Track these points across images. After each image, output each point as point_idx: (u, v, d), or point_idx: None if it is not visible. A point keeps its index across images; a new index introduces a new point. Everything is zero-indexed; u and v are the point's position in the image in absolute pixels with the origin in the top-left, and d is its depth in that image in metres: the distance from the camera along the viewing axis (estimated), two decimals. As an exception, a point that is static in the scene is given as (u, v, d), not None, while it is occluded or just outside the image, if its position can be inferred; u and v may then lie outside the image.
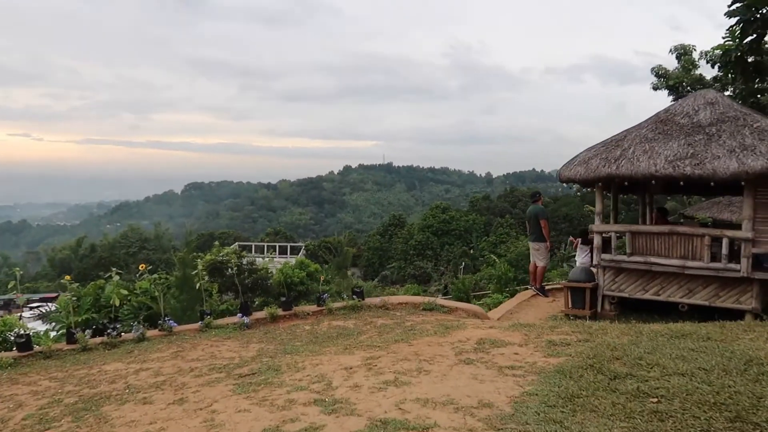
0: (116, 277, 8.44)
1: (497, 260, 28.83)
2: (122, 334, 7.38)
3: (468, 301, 17.21)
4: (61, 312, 13.46)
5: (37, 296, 74.86)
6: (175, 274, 16.27)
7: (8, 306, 77.71)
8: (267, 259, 20.86)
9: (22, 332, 6.97)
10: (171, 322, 7.48)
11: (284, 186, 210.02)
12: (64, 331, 12.63)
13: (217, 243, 20.45)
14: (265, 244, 63.75)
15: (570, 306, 8.61)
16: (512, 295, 17.67)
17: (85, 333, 7.11)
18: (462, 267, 63.09)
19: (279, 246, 65.76)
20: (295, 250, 66.08)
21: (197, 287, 13.16)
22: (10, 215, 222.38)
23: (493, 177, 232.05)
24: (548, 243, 10.91)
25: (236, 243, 65.56)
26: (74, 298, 13.32)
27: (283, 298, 8.15)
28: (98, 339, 7.30)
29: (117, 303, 7.54)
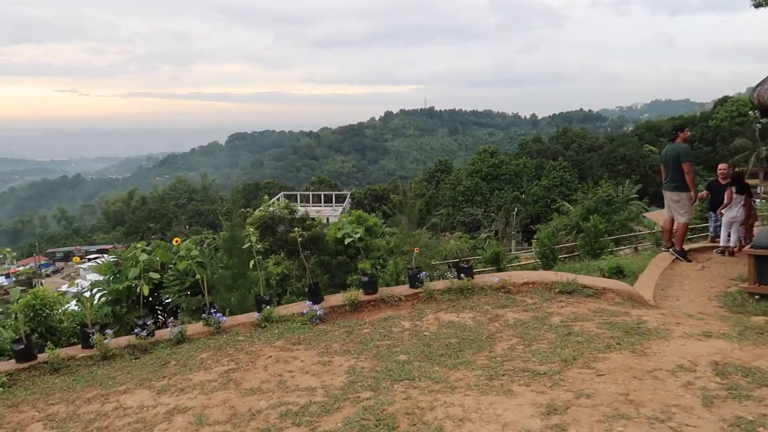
0: (143, 256, 6.50)
1: (571, 208, 26.13)
2: (156, 331, 5.47)
3: (554, 260, 14.86)
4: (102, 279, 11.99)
5: (94, 248, 77.36)
6: (222, 234, 14.53)
7: (68, 257, 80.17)
8: (318, 213, 18.79)
9: (18, 336, 5.10)
10: (219, 315, 5.49)
11: (326, 134, 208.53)
12: (105, 301, 11.10)
13: (266, 197, 18.50)
14: (310, 193, 62.54)
15: (756, 281, 6.21)
16: (595, 255, 15.23)
17: (105, 334, 5.20)
18: (515, 213, 60.25)
19: (324, 195, 64.49)
20: (340, 199, 64.62)
21: (247, 249, 11.35)
22: (65, 170, 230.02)
23: (539, 118, 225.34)
24: (693, 192, 8.36)
25: (281, 192, 64.64)
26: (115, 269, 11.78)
27: (365, 278, 6.03)
28: (124, 340, 5.41)
29: (146, 292, 5.55)
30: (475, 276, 6.16)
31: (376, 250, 18.28)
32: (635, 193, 30.94)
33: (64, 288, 51.15)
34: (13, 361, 4.96)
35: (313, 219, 17.27)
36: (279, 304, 9.73)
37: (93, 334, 5.06)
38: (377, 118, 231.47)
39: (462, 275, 6.01)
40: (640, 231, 19.74)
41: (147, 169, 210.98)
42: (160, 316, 12.26)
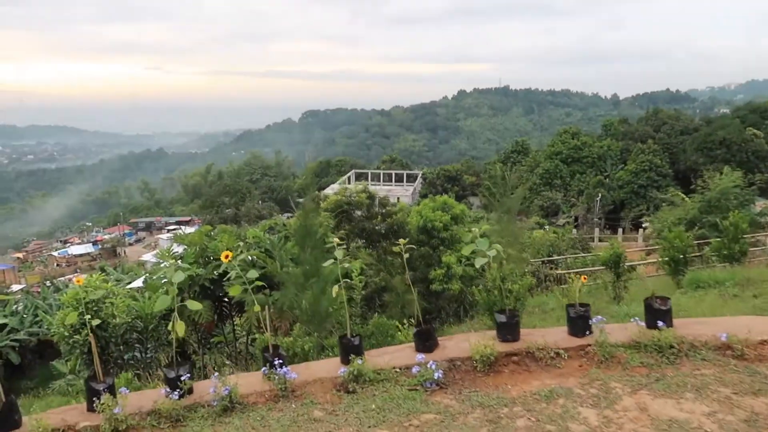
0: (179, 276, 4.75)
1: (686, 199, 22.64)
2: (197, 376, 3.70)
3: (685, 266, 12.08)
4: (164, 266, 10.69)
5: (173, 219, 79.85)
6: (293, 221, 12.92)
7: (150, 227, 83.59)
8: (389, 192, 16.75)
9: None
10: (287, 372, 3.62)
11: (397, 112, 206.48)
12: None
13: (350, 186, 16.75)
14: (381, 172, 61.01)
15: None
16: (733, 260, 12.29)
17: (120, 394, 3.47)
18: (599, 198, 55.97)
19: (395, 174, 62.84)
20: (411, 178, 62.72)
21: (321, 241, 9.62)
22: (149, 144, 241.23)
23: (620, 99, 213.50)
24: None
25: (352, 171, 63.47)
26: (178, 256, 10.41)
27: (502, 317, 4.00)
28: (148, 400, 3.65)
29: (181, 334, 3.70)
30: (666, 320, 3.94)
31: (462, 242, 16.12)
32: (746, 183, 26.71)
33: (145, 257, 52.73)
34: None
35: (393, 204, 15.35)
36: (364, 321, 7.86)
37: (103, 392, 3.33)
38: (450, 97, 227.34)
39: (659, 323, 3.82)
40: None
41: (224, 145, 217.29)
42: (225, 309, 10.89)
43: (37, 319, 26.14)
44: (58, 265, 62.97)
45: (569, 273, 15.38)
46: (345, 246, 12.75)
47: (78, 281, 3.69)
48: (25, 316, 27.14)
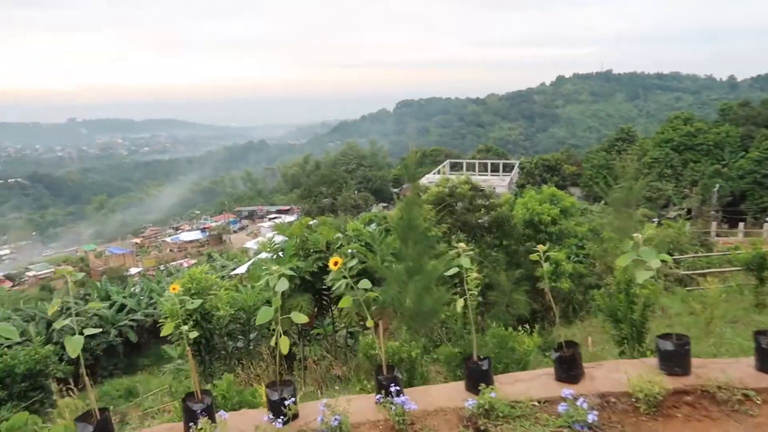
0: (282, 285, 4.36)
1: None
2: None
3: None
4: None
5: (274, 208, 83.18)
6: (393, 213, 12.48)
7: (252, 216, 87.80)
8: (485, 183, 15.91)
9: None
10: (406, 401, 3.08)
11: (492, 100, 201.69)
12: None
13: (452, 177, 16.18)
14: (477, 161, 59.66)
15: None
16: None
17: (219, 418, 3.10)
18: (716, 189, 50.95)
19: (491, 163, 61.17)
20: (507, 168, 60.63)
21: (424, 234, 9.08)
22: (252, 135, 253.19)
23: (738, 81, 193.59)
24: None
25: (447, 160, 62.55)
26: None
27: (667, 344, 3.21)
28: (255, 419, 3.25)
29: (285, 351, 3.25)
30: None
31: (572, 237, 14.98)
32: None
33: (248, 244, 55.23)
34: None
35: (498, 195, 14.50)
36: (482, 330, 7.20)
37: (200, 415, 2.97)
38: (548, 83, 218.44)
39: None
40: None
41: (321, 135, 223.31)
42: (324, 301, 10.70)
43: (152, 301, 27.97)
44: (170, 250, 67.75)
45: (693, 274, 13.82)
46: (447, 240, 12.12)
47: (173, 289, 3.35)
48: (141, 297, 29.17)
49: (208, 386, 3.71)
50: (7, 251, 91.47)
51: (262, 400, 3.91)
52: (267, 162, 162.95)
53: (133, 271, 51.62)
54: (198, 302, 3.57)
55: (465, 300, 3.40)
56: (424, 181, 28.78)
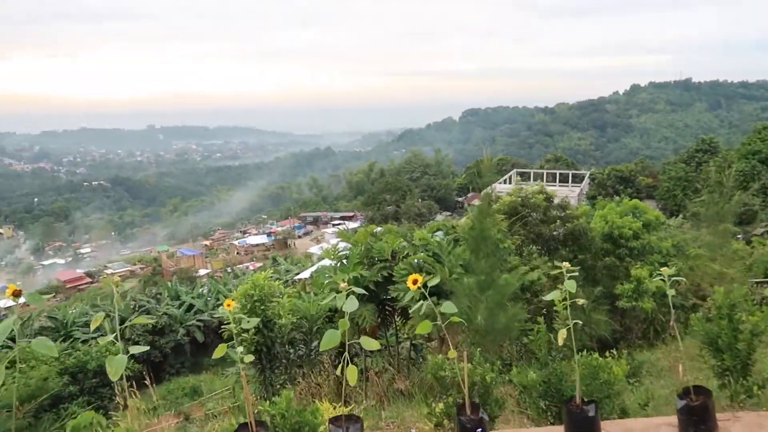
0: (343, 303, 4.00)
1: None
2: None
3: None
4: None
5: (338, 214, 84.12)
6: (464, 223, 11.99)
7: (317, 221, 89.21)
8: (553, 194, 15.06)
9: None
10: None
11: (562, 109, 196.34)
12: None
13: (526, 186, 15.51)
14: (544, 171, 57.93)
15: None
16: None
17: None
18: (810, 205, 46.95)
19: (560, 173, 59.16)
20: (576, 179, 58.40)
21: (496, 246, 8.55)
22: (318, 143, 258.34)
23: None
24: None
25: (514, 170, 60.97)
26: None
27: None
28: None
29: (353, 383, 2.89)
30: None
31: (655, 253, 13.90)
32: None
33: (312, 249, 55.96)
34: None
35: (575, 207, 13.70)
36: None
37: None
38: (621, 92, 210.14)
39: None
40: None
41: (386, 143, 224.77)
42: (387, 311, 10.35)
43: (219, 302, 28.68)
44: (237, 253, 69.79)
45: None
46: (519, 253, 11.49)
47: (228, 305, 3.05)
48: (209, 299, 29.97)
49: (267, 405, 3.40)
50: (89, 249, 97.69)
51: (323, 418, 3.61)
52: (332, 169, 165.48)
53: (202, 272, 53.37)
54: (254, 321, 3.27)
55: (568, 330, 2.91)
56: (506, 198, 27.98)
